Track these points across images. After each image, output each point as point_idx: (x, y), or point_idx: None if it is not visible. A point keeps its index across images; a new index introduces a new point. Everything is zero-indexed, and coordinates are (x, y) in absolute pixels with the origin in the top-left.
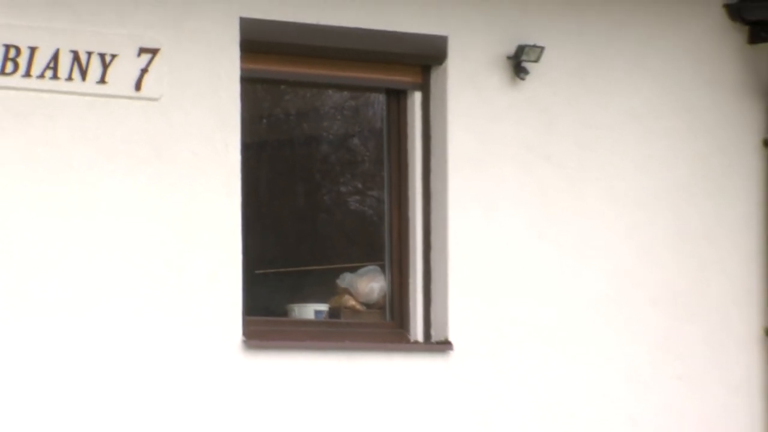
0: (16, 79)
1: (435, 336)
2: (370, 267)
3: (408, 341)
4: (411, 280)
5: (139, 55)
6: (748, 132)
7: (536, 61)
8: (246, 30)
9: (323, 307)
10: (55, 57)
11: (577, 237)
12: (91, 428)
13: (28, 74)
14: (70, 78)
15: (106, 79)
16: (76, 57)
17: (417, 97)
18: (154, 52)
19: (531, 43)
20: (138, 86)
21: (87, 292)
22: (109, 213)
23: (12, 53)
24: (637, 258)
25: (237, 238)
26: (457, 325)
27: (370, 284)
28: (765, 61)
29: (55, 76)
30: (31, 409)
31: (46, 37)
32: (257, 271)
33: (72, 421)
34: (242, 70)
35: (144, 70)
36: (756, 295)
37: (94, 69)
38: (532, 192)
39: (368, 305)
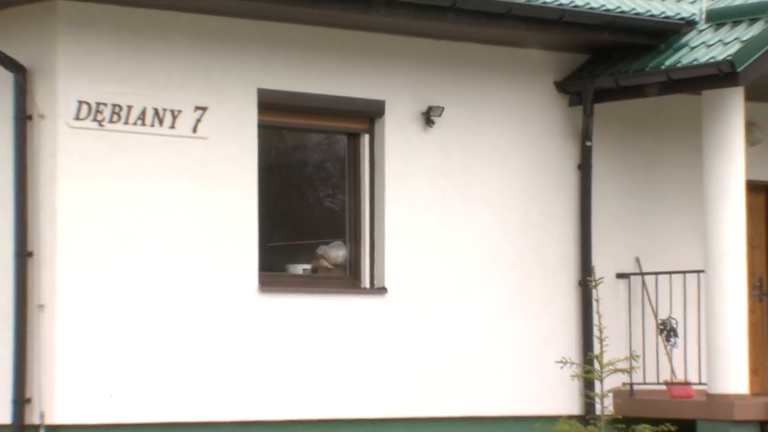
0: (119, 126)
1: (376, 284)
2: (337, 241)
3: (360, 288)
4: (362, 250)
5: (195, 111)
6: (568, 160)
7: (439, 116)
8: (261, 96)
9: (308, 266)
10: (143, 112)
11: (464, 225)
12: (168, 341)
13: (126, 122)
14: (152, 125)
15: (175, 125)
16: (156, 112)
17: (366, 138)
18: (204, 109)
19: (436, 104)
20: (194, 130)
21: (163, 257)
22: (177, 208)
23: (117, 109)
24: (501, 238)
25: (254, 224)
26: (390, 278)
27: (337, 252)
28: (579, 117)
29: (143, 124)
30: (131, 330)
31: (138, 100)
32: (268, 244)
33: (157, 336)
34: (259, 120)
35: (198, 120)
36: (573, 261)
37: (167, 119)
38: (436, 197)
39: (335, 265)
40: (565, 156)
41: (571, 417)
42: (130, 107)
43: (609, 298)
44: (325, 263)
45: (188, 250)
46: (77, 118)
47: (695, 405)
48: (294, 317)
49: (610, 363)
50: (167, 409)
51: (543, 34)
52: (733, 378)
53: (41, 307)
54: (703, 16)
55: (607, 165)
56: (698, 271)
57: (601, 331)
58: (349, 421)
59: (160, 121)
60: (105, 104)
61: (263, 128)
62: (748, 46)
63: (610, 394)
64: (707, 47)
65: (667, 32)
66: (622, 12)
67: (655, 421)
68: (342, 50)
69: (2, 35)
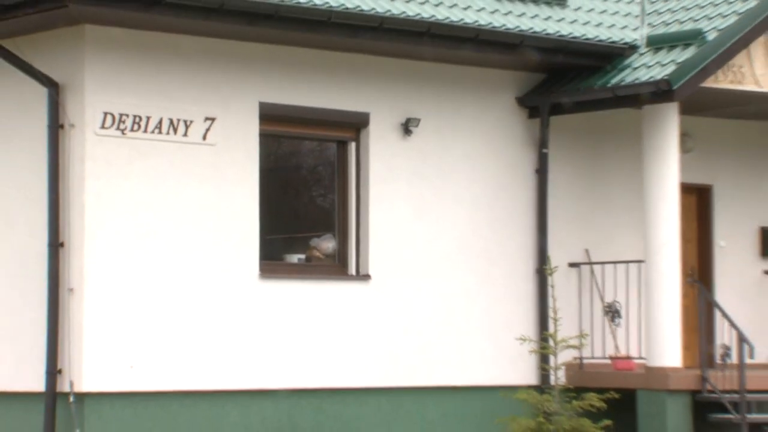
0: (139, 134)
1: (361, 272)
2: (328, 235)
3: (347, 274)
4: (349, 242)
5: (204, 121)
6: (527, 165)
7: (417, 126)
8: (262, 108)
9: (302, 256)
10: (160, 122)
11: (438, 219)
12: (181, 321)
13: (145, 131)
14: (168, 133)
15: (188, 133)
16: (171, 122)
17: (353, 145)
18: (213, 119)
19: (414, 116)
20: (204, 138)
21: (176, 247)
22: (190, 204)
23: (137, 119)
24: (469, 232)
25: (256, 220)
26: (374, 266)
27: (328, 244)
28: (537, 128)
29: (160, 132)
30: (149, 311)
31: (155, 111)
32: (267, 237)
33: (171, 316)
34: (260, 129)
35: (207, 129)
36: (531, 252)
37: (181, 128)
38: (414, 196)
39: (326, 255)
40: (525, 162)
41: (529, 387)
42: (148, 118)
43: (562, 284)
44: (317, 253)
45: (198, 242)
46: (102, 127)
47: (636, 376)
48: (290, 300)
49: (563, 340)
50: (180, 379)
51: (506, 56)
52: (669, 353)
53: (71, 290)
54: (644, 41)
55: (561, 169)
56: (639, 261)
57: (555, 313)
58: (337, 390)
59: (175, 130)
60: (127, 115)
61: (264, 136)
62: (683, 67)
63: (563, 367)
64: (647, 68)
65: (612, 55)
66: (574, 37)
67: (601, 390)
68: (332, 69)
69: (38, 55)
